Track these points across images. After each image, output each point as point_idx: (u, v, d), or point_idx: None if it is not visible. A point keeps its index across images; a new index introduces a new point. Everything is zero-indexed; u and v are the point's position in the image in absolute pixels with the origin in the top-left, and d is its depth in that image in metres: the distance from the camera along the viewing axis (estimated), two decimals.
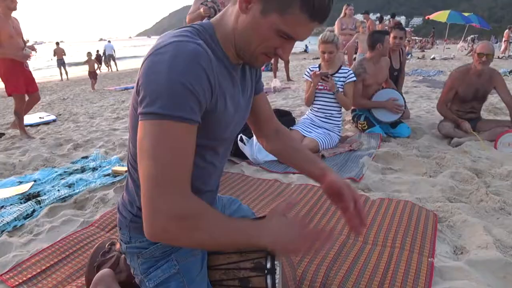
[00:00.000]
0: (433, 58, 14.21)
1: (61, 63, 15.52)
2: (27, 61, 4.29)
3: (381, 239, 1.74)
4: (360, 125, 3.71)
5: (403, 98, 3.66)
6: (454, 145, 3.25)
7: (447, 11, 15.40)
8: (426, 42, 26.00)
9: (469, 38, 22.24)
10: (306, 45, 27.20)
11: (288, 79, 8.95)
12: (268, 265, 1.02)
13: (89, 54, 12.21)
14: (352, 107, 3.88)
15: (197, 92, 0.77)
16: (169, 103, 0.74)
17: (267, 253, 1.05)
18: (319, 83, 3.30)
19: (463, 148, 3.06)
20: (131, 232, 1.05)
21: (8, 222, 2.10)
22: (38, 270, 1.64)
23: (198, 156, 0.87)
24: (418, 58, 14.82)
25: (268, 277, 1.01)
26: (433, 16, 15.42)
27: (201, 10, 3.55)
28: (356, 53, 7.61)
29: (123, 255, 1.33)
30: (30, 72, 4.36)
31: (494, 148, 3.11)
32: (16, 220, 2.13)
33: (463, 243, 1.74)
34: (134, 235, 1.05)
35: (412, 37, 25.99)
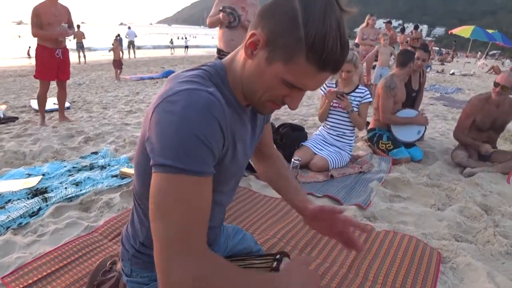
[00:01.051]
0: (453, 73, 13.99)
1: (80, 46, 15.68)
2: (64, 39, 4.44)
3: (382, 277, 1.72)
4: (384, 145, 3.58)
5: (417, 111, 3.63)
6: (466, 175, 3.19)
7: (471, 27, 15.15)
8: (447, 54, 25.61)
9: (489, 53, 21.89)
10: None
11: None
12: None
13: (116, 41, 11.45)
14: (370, 126, 3.85)
15: (211, 144, 0.74)
16: (182, 157, 0.71)
17: None
18: (334, 101, 3.27)
19: (475, 180, 3.01)
20: (132, 266, 1.05)
21: (14, 219, 2.12)
22: (39, 276, 1.65)
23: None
24: (438, 72, 14.61)
25: None
26: (457, 31, 15.18)
27: (220, 16, 3.53)
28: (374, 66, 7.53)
29: None
30: (63, 60, 4.45)
31: (507, 182, 3.05)
32: (22, 218, 2.15)
33: None
34: (136, 269, 1.05)
35: (433, 47, 25.65)
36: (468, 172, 3.22)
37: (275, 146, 1.35)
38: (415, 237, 2.08)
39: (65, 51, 4.48)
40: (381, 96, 3.57)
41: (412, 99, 4.09)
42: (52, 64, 4.35)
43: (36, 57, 4.35)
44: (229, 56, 0.90)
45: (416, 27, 10.56)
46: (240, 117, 0.91)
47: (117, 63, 10.47)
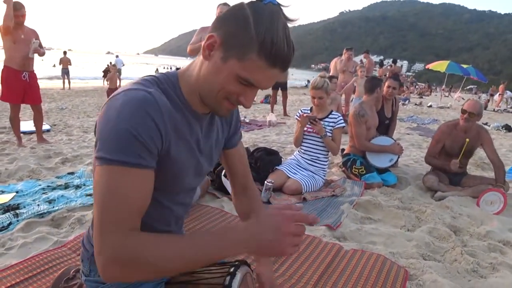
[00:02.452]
0: (430, 106, 14.52)
1: (65, 72, 15.74)
2: (32, 62, 4.43)
3: None
4: (357, 170, 3.68)
5: (393, 140, 3.75)
6: (437, 199, 3.30)
7: (446, 62, 15.89)
8: (425, 88, 26.63)
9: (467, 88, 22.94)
10: (308, 80, 27.77)
11: (285, 114, 9.06)
12: (227, 282, 1.03)
13: (113, 66, 10.55)
14: (345, 152, 3.96)
15: (143, 139, 0.80)
16: (115, 149, 0.78)
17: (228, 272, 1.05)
18: (308, 126, 3.38)
19: (445, 203, 3.10)
20: (91, 265, 1.07)
21: None
22: (3, 287, 1.63)
23: (154, 199, 0.89)
24: (416, 104, 15.13)
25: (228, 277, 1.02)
26: (432, 66, 15.86)
27: (202, 43, 3.66)
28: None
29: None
30: (29, 84, 4.43)
31: (477, 205, 3.16)
32: None
33: None
34: (94, 268, 1.07)
35: (412, 83, 26.64)
36: (439, 196, 3.32)
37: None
38: (383, 255, 2.13)
39: (32, 75, 4.47)
40: (353, 124, 3.72)
41: (385, 126, 4.25)
42: (17, 86, 4.32)
43: (1, 79, 4.30)
44: (184, 66, 0.99)
45: (394, 61, 11.03)
46: (187, 120, 0.96)
47: (113, 92, 10.16)
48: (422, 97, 20.48)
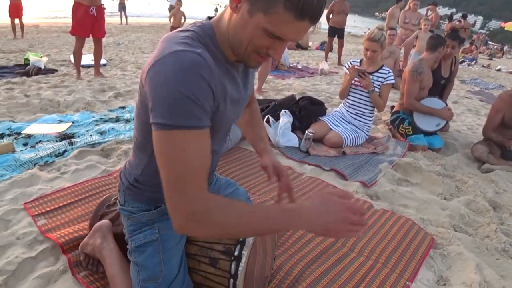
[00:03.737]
0: (499, 70, 13.23)
1: (122, 8, 15.94)
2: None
3: (367, 251, 1.79)
4: (404, 129, 3.56)
5: (446, 105, 3.54)
6: (483, 171, 3.13)
7: None
8: (497, 49, 24.14)
9: None
10: (368, 29, 26.12)
11: (339, 63, 8.64)
12: (236, 253, 1.13)
13: (179, 1, 9.46)
14: (395, 109, 3.81)
15: (201, 102, 0.83)
16: (174, 114, 0.80)
17: (238, 241, 1.15)
18: (356, 79, 3.26)
19: (491, 177, 2.95)
20: (126, 196, 1.19)
21: (41, 157, 2.33)
22: (56, 206, 1.84)
23: None
24: (483, 66, 13.87)
25: (233, 263, 1.12)
26: (508, 25, 14.23)
27: None
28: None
29: None
30: (97, 18, 4.60)
31: None
32: (48, 156, 2.36)
33: (449, 276, 1.73)
34: (128, 200, 1.18)
35: (484, 42, 24.26)
36: (486, 168, 3.15)
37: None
38: (412, 220, 2.12)
39: (100, 9, 4.62)
40: (407, 80, 3.51)
41: (441, 87, 3.98)
42: (86, 21, 4.51)
43: (72, 13, 4.51)
44: (217, 15, 0.98)
45: (464, 16, 10.02)
46: (229, 73, 0.99)
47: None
48: (492, 59, 18.63)
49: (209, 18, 1.00)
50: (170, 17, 9.11)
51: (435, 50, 3.53)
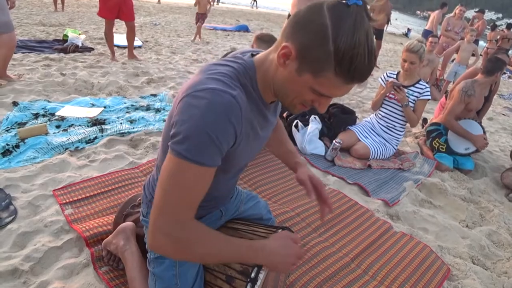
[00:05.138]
0: None
1: None
2: None
3: (381, 276, 1.78)
4: (438, 144, 3.46)
5: (483, 129, 3.42)
6: (510, 199, 3.03)
7: None
8: None
9: None
10: (408, 29, 25.20)
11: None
12: (253, 275, 1.15)
13: None
14: (436, 121, 3.70)
15: (221, 144, 0.85)
16: (192, 148, 0.83)
17: (256, 264, 1.17)
18: (391, 92, 3.19)
19: None
20: (148, 208, 1.22)
21: (72, 142, 2.42)
22: (83, 196, 1.92)
23: (217, 176, 0.95)
24: None
25: (249, 284, 1.15)
26: None
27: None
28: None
29: None
30: (125, 1, 4.63)
31: None
32: (79, 142, 2.45)
33: None
34: (150, 212, 1.22)
35: None
36: None
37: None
38: (430, 247, 2.08)
39: None
40: (454, 97, 3.39)
41: None
42: (112, 3, 4.53)
43: None
44: (261, 55, 0.97)
45: (509, 26, 9.53)
46: (262, 113, 1.00)
47: (202, 17, 8.24)
48: None
49: (252, 55, 1.00)
50: (195, 4, 8.33)
51: (491, 74, 3.35)
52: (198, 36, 8.16)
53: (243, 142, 0.95)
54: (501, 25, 10.43)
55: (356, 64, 0.77)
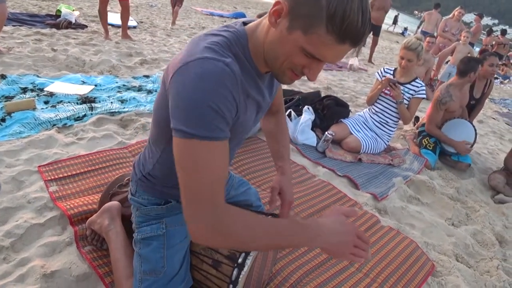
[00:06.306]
0: None
1: None
2: None
3: (367, 269, 1.78)
4: (427, 142, 3.49)
5: (475, 131, 3.45)
6: (496, 201, 3.07)
7: None
8: None
9: None
10: (405, 28, 25.30)
11: (370, 60, 8.43)
12: (240, 260, 1.14)
13: None
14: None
15: (223, 113, 0.81)
16: (198, 124, 0.78)
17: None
18: (386, 88, 3.18)
19: (503, 209, 2.88)
20: (137, 187, 1.19)
21: (60, 119, 2.36)
22: (69, 173, 1.88)
23: None
24: None
25: (236, 270, 1.13)
26: None
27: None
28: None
29: None
30: None
31: None
32: (67, 119, 2.39)
33: None
34: (139, 190, 1.19)
35: None
36: (500, 198, 3.08)
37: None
38: (416, 243, 2.10)
39: None
40: (432, 106, 3.44)
41: (469, 107, 3.87)
42: None
43: None
44: (253, 23, 0.93)
45: (503, 32, 9.60)
46: (256, 84, 0.96)
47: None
48: None
49: (244, 23, 0.96)
50: None
51: (464, 75, 3.35)
52: (174, 22, 7.34)
53: (241, 112, 0.92)
54: (497, 31, 10.47)
55: (349, 21, 0.73)
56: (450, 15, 7.03)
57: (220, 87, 0.79)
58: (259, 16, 2.58)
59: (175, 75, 0.82)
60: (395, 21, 25.72)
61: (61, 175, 1.84)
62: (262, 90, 1.01)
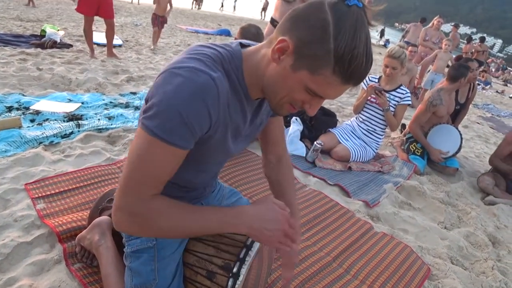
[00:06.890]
0: None
1: None
2: None
3: (363, 275, 1.77)
4: (414, 148, 3.56)
5: (461, 136, 3.50)
6: (486, 203, 3.10)
7: None
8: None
9: None
10: (387, 40, 25.84)
11: None
12: (235, 270, 1.12)
13: None
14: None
15: (192, 125, 0.81)
16: (163, 126, 0.79)
17: (238, 258, 1.14)
18: (372, 95, 3.22)
19: (493, 210, 2.92)
20: None
21: (47, 136, 2.32)
22: (57, 190, 1.83)
23: (191, 164, 0.95)
24: (497, 91, 13.74)
25: (231, 279, 1.11)
26: None
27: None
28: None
29: None
30: None
31: None
32: (54, 137, 2.35)
33: None
34: None
35: (500, 67, 24.04)
36: (490, 200, 3.12)
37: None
38: (410, 247, 2.09)
39: None
40: (421, 107, 3.51)
41: (455, 112, 3.94)
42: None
43: None
44: (251, 48, 0.93)
45: (482, 39, 9.87)
46: (242, 106, 0.95)
47: (161, 20, 6.75)
48: (506, 85, 18.45)
49: (242, 45, 0.95)
50: (154, 2, 6.80)
51: (455, 80, 3.46)
52: (155, 42, 6.76)
53: (220, 131, 0.91)
54: (476, 39, 10.78)
55: (355, 65, 0.74)
56: (430, 25, 7.22)
57: (196, 100, 0.79)
58: (242, 28, 2.58)
59: (162, 74, 0.83)
60: (382, 34, 26.36)
61: (48, 193, 1.80)
62: (246, 115, 0.99)
